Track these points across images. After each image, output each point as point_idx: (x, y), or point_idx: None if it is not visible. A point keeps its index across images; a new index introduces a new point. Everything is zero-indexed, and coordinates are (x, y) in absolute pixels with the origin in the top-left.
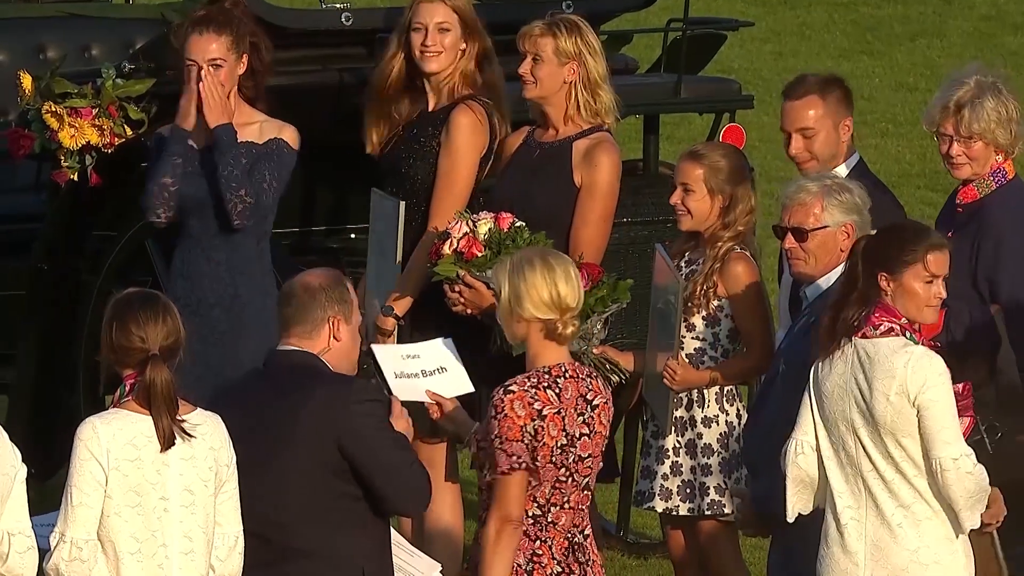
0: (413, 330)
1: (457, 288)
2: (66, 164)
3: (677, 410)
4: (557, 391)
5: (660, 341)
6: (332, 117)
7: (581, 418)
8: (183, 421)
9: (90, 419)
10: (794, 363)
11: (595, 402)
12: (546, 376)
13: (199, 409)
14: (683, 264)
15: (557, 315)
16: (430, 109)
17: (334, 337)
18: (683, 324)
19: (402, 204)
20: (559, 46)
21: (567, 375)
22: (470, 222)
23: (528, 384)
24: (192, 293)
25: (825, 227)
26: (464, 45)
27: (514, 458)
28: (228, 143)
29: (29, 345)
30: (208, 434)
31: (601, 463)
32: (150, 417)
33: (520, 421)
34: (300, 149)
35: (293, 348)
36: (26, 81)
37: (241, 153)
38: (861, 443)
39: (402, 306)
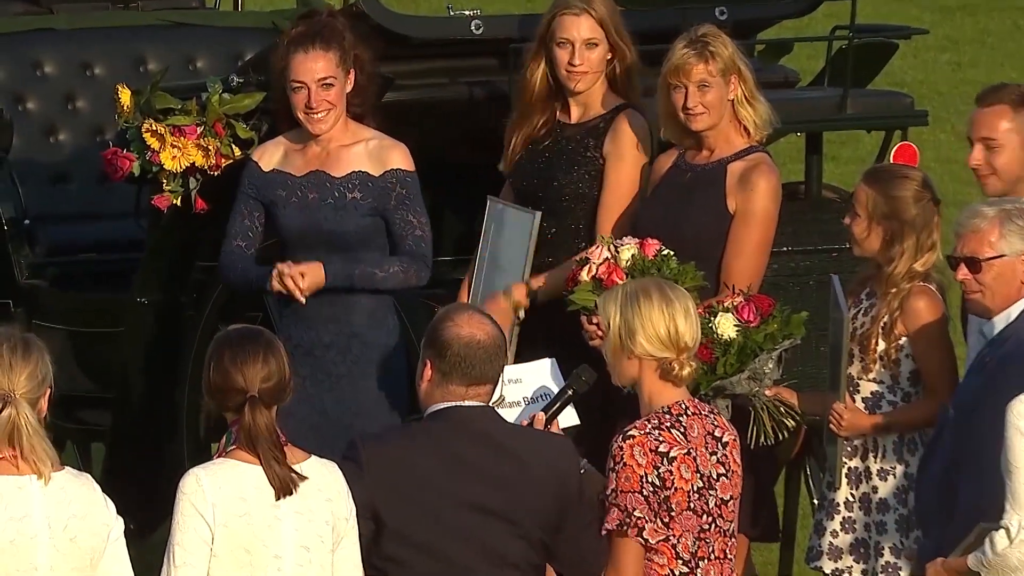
0: (524, 353)
1: (596, 319)
2: (168, 188)
3: (851, 460)
4: (682, 430)
5: (830, 382)
6: (461, 135)
7: (714, 457)
8: (295, 470)
9: (194, 470)
10: (963, 408)
11: (724, 439)
12: (667, 416)
13: (313, 457)
14: (863, 297)
15: (673, 354)
16: (573, 120)
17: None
18: (860, 365)
19: (538, 215)
20: (719, 65)
21: (689, 412)
22: (612, 247)
23: (650, 426)
24: (305, 333)
25: (1002, 256)
26: (611, 56)
27: (625, 514)
28: (350, 277)
29: (127, 387)
30: (324, 485)
31: (749, 513)
32: (259, 466)
33: (640, 470)
34: (425, 170)
35: (482, 405)
36: (124, 96)
37: (354, 188)
38: None
39: (520, 292)
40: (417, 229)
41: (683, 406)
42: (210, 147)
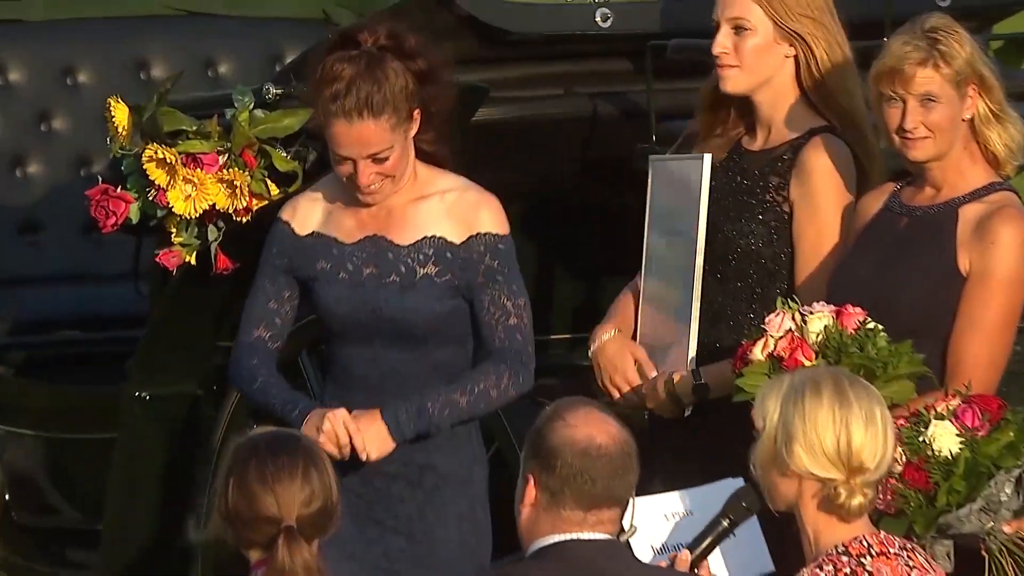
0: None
1: None
2: (179, 240)
3: None
4: None
5: None
6: (581, 166)
7: None
8: None
9: None
10: None
11: None
12: (844, 559)
13: None
14: None
15: (843, 475)
16: (756, 147)
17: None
18: None
19: (707, 158)
20: (953, 71)
21: (874, 552)
22: (798, 315)
23: None
24: (360, 457)
25: None
26: (790, 50)
27: None
28: (428, 421)
29: (122, 515)
30: None
31: None
32: None
33: None
34: (532, 213)
35: (607, 538)
36: (120, 113)
37: (427, 261)
38: None
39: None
40: (512, 316)
41: (865, 543)
42: (237, 183)
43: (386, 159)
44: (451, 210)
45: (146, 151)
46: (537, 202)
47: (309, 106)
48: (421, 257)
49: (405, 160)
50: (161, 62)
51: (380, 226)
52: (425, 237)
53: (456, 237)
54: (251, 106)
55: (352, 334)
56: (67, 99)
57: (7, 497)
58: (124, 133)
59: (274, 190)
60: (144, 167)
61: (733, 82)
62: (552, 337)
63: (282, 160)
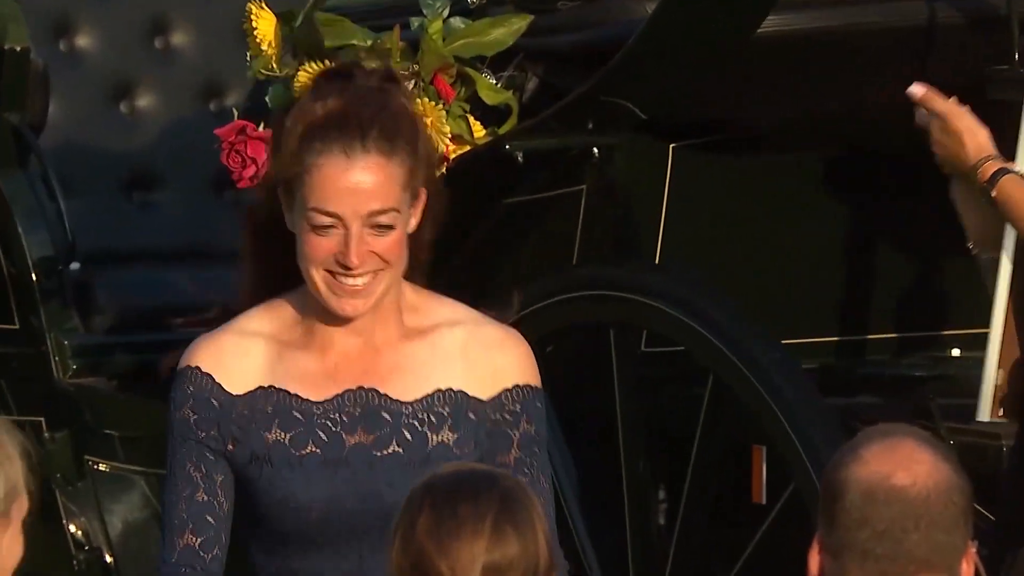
0: None
1: None
2: None
3: None
4: None
5: None
6: (907, 102)
7: None
8: None
9: None
10: None
11: None
12: None
13: None
14: None
15: None
16: None
17: None
18: None
19: None
20: None
21: None
22: None
23: None
24: None
25: None
26: None
27: None
28: None
29: None
30: None
31: None
32: None
33: None
34: (840, 167)
35: None
36: (264, 23)
37: (443, 424)
38: None
39: None
40: (549, 503)
41: None
42: (428, 120)
43: (389, 228)
44: (466, 352)
45: (300, 73)
46: (849, 148)
47: (527, 11)
48: (433, 419)
49: (403, 257)
50: None
51: (366, 374)
52: (437, 391)
53: (481, 391)
54: (446, 13)
55: (324, 534)
56: (190, 5)
57: (109, 559)
58: (270, 50)
59: (479, 130)
60: (297, 97)
61: None
62: (870, 337)
63: (490, 89)
